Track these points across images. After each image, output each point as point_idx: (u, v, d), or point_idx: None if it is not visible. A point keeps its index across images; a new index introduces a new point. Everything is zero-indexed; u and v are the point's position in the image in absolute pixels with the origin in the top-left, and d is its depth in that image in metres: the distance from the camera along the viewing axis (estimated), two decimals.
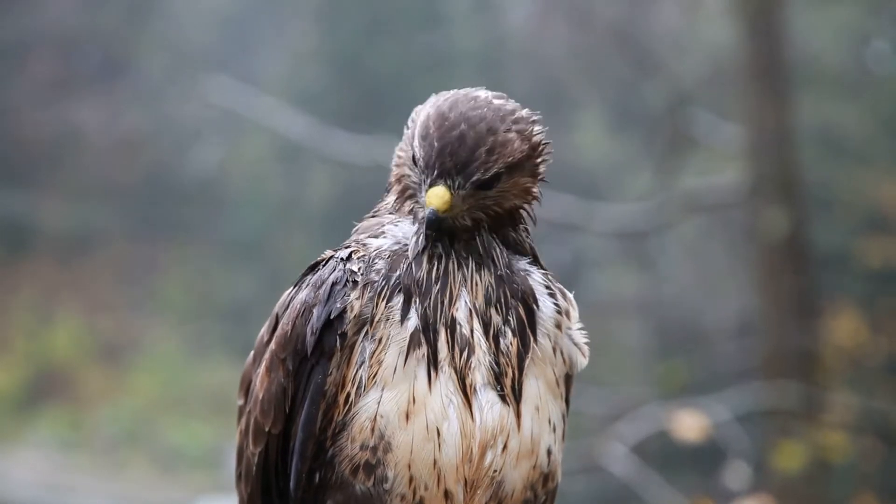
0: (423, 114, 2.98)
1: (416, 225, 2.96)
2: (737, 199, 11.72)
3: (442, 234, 2.93)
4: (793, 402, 10.60)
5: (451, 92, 3.03)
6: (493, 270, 2.94)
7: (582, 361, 3.06)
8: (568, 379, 3.05)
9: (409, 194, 3.00)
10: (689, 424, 8.95)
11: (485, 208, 2.94)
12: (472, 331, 2.90)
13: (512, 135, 2.94)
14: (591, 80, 17.83)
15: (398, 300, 2.90)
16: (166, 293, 20.87)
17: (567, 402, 3.06)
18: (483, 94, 3.00)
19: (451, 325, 2.89)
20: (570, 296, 3.06)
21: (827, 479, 11.08)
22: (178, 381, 19.90)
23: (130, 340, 20.56)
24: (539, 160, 2.98)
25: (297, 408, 2.95)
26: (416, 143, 2.94)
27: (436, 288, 2.90)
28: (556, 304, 3.01)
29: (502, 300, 2.93)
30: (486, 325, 2.90)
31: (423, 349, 2.87)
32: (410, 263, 2.92)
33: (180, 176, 20.59)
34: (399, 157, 3.06)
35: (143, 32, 21.48)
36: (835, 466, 11.52)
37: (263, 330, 3.09)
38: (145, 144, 21.01)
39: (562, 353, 3.01)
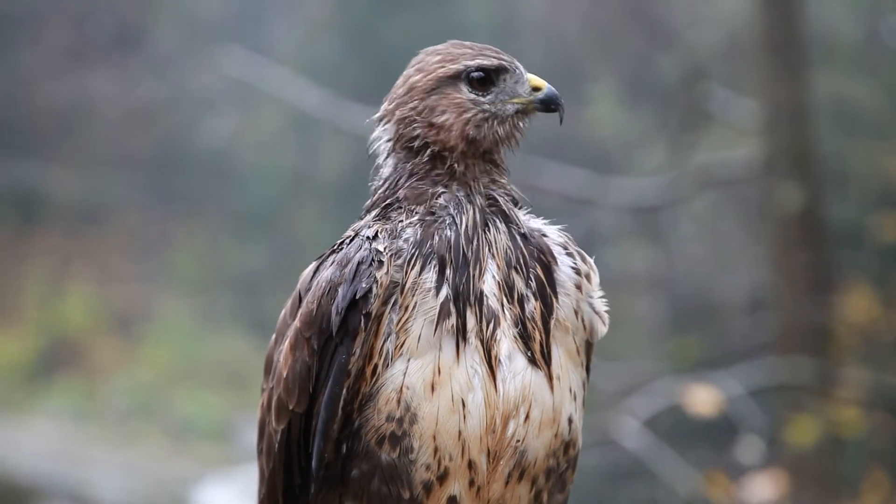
0: (442, 52, 3.09)
1: (457, 193, 2.97)
2: (751, 174, 11.68)
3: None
4: (806, 378, 10.59)
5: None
6: (514, 230, 2.95)
7: (602, 329, 3.06)
8: (588, 347, 3.05)
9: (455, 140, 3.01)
10: (702, 399, 8.95)
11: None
12: (500, 303, 2.90)
13: None
14: (606, 53, 17.78)
15: (430, 269, 2.90)
16: (178, 264, 20.90)
17: (588, 369, 3.06)
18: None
19: (479, 297, 2.89)
20: (591, 260, 3.06)
21: (839, 455, 11.07)
22: (190, 352, 19.94)
23: (142, 311, 20.60)
24: None
25: (321, 387, 2.96)
26: (475, 59, 3.02)
27: (468, 256, 2.89)
28: (575, 265, 3.01)
29: (521, 262, 2.93)
30: (510, 291, 2.90)
31: (453, 319, 2.87)
32: (445, 230, 2.92)
33: (193, 147, 20.59)
34: (409, 116, 3.05)
35: (157, 3, 21.45)
36: (847, 442, 11.51)
37: (286, 309, 3.08)
38: (158, 115, 21.01)
39: (582, 318, 3.01)
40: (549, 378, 2.92)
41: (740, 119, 12.42)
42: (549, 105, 3.01)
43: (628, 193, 12.63)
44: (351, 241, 2.99)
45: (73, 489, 16.74)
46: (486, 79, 3.00)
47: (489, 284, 2.90)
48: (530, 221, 3.03)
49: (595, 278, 3.06)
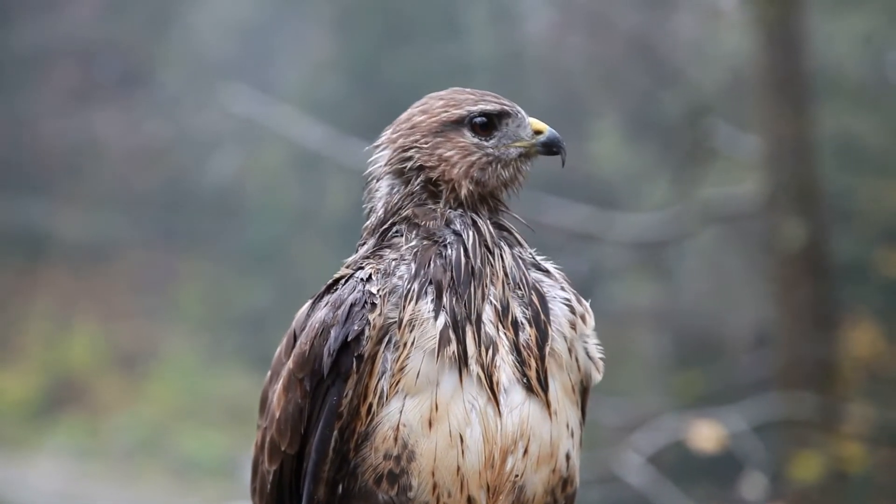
0: (446, 97, 3.09)
1: (463, 216, 3.00)
2: (755, 209, 11.69)
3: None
4: (809, 413, 10.56)
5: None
6: (517, 254, 2.97)
7: (596, 377, 3.07)
8: (584, 390, 3.05)
9: (431, 182, 3.03)
10: (706, 435, 8.93)
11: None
12: (496, 328, 2.90)
13: None
14: (609, 89, 17.81)
15: (426, 299, 2.90)
16: (183, 302, 20.90)
17: (584, 412, 3.06)
18: None
19: (478, 323, 2.89)
20: (587, 303, 3.06)
21: (843, 490, 11.03)
22: (194, 390, 19.91)
23: (147, 349, 20.58)
24: None
25: (312, 429, 2.97)
26: (478, 104, 3.04)
27: (472, 274, 2.90)
28: (569, 303, 3.02)
29: (523, 286, 2.94)
30: (505, 316, 2.91)
31: (453, 346, 2.87)
32: (447, 249, 2.93)
33: (198, 185, 20.62)
34: (411, 156, 3.07)
35: (163, 42, 21.53)
36: (851, 477, 11.47)
37: (280, 348, 3.09)
38: (164, 154, 21.05)
39: (577, 357, 3.01)
40: (548, 406, 2.92)
41: (744, 154, 12.44)
42: (550, 148, 3.06)
43: (632, 229, 12.64)
44: (346, 281, 2.99)
45: None
46: (488, 124, 3.04)
47: (488, 309, 2.91)
48: (524, 252, 3.05)
49: (590, 321, 3.07)
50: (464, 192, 2.99)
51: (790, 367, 10.97)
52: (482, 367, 2.89)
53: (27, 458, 18.36)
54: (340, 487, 2.93)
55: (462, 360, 2.87)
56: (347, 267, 3.06)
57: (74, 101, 20.87)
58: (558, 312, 3.00)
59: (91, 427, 19.33)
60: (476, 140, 3.03)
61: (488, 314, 2.91)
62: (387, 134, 3.13)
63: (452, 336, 2.88)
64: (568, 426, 2.98)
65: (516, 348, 2.91)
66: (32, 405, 19.57)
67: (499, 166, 3.02)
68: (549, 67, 19.06)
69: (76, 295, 20.99)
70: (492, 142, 3.03)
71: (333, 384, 2.93)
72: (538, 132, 3.06)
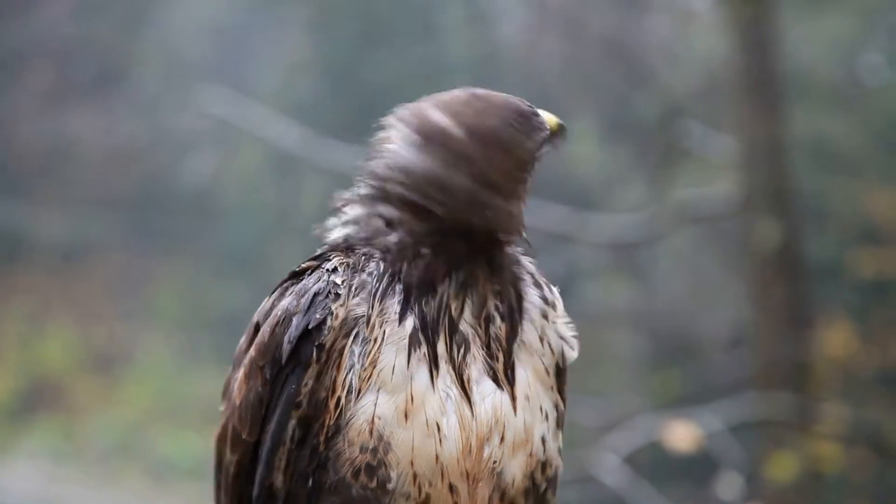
0: (438, 118, 2.99)
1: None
2: (729, 210, 11.73)
3: None
4: (785, 413, 10.61)
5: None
6: (493, 264, 2.96)
7: (571, 354, 3.08)
8: (559, 371, 3.06)
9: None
10: (682, 435, 8.96)
11: None
12: (470, 326, 2.91)
13: None
14: (584, 91, 17.85)
15: (395, 300, 2.90)
16: (159, 303, 20.85)
17: (562, 394, 3.07)
18: None
19: (450, 324, 2.89)
20: (556, 290, 3.09)
21: (819, 490, 11.08)
22: (171, 391, 19.86)
23: (123, 351, 20.53)
24: None
25: (270, 416, 2.95)
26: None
27: (438, 285, 2.90)
28: (542, 295, 3.04)
29: (497, 287, 2.95)
30: (480, 315, 2.92)
31: (424, 348, 2.88)
32: (412, 261, 2.92)
33: (174, 186, 20.58)
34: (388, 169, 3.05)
35: (138, 43, 21.48)
36: (827, 477, 11.52)
37: (243, 338, 3.09)
38: (140, 155, 21.00)
39: (549, 343, 3.02)
40: (513, 398, 2.93)
41: (718, 155, 12.48)
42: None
43: (608, 230, 12.67)
44: (312, 272, 3.00)
45: None
46: None
47: (462, 308, 2.92)
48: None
49: (560, 306, 3.08)
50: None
51: (766, 368, 11.01)
52: (453, 365, 2.90)
53: (2, 461, 18.30)
54: (311, 481, 2.93)
55: (432, 362, 2.88)
56: (314, 258, 3.06)
57: (50, 102, 20.80)
58: (530, 307, 3.02)
59: (67, 429, 19.27)
60: None
61: (463, 313, 2.93)
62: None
63: (422, 338, 2.89)
64: (542, 410, 2.98)
65: (487, 343, 2.93)
66: (7, 407, 19.50)
67: None
68: (524, 69, 19.10)
69: (51, 296, 20.92)
70: None
71: (293, 372, 2.91)
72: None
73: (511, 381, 2.92)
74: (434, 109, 2.99)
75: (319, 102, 19.81)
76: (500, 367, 2.91)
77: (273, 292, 3.08)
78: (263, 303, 3.07)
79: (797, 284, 11.21)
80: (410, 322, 2.89)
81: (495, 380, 2.90)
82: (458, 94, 3.02)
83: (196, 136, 20.22)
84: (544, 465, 2.99)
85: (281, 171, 20.31)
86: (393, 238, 2.93)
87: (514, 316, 2.95)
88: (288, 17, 21.10)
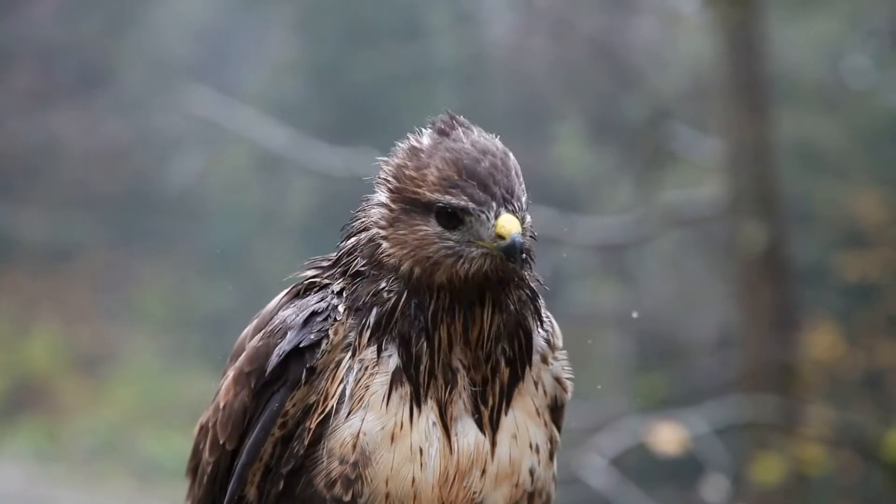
0: (425, 170, 2.88)
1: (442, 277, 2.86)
2: (715, 212, 11.75)
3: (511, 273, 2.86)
4: (771, 416, 10.62)
5: (433, 140, 2.94)
6: (503, 311, 2.90)
7: (564, 397, 3.06)
8: (555, 408, 3.05)
9: (411, 264, 2.88)
10: (668, 437, 8.96)
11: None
12: (462, 366, 2.88)
13: (516, 162, 2.95)
14: (571, 93, 17.86)
15: (381, 336, 2.88)
16: (144, 304, 20.81)
17: (558, 427, 3.05)
18: (465, 133, 2.94)
19: (445, 362, 2.87)
20: (558, 330, 3.06)
21: (805, 493, 11.10)
22: (156, 392, 19.83)
23: (108, 351, 20.48)
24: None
25: (251, 430, 2.95)
26: (444, 195, 2.83)
27: (434, 330, 2.87)
28: (547, 339, 3.01)
29: (503, 335, 2.90)
30: (476, 355, 2.89)
31: (407, 388, 2.86)
32: (405, 304, 2.89)
33: (159, 186, 20.54)
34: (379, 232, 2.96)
35: (123, 43, 21.43)
36: (813, 480, 11.54)
37: (248, 329, 3.07)
38: (124, 155, 20.95)
39: (543, 387, 3.01)
40: (493, 444, 2.91)
41: (705, 158, 12.50)
42: (508, 256, 2.83)
43: (594, 232, 12.68)
44: (319, 290, 2.98)
45: None
46: (453, 216, 2.86)
47: (456, 351, 2.88)
48: (520, 294, 2.98)
49: (559, 344, 3.06)
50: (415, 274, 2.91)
51: (752, 370, 11.03)
52: (438, 402, 2.88)
53: None
54: (282, 484, 2.91)
55: (415, 400, 2.87)
56: (322, 273, 3.03)
57: (34, 102, 20.75)
58: (536, 347, 3.00)
59: (52, 430, 19.22)
60: (438, 230, 2.87)
61: (453, 350, 2.89)
62: (394, 159, 3.02)
63: (405, 378, 2.87)
64: (531, 445, 2.98)
65: (482, 382, 2.91)
66: None
67: (459, 261, 2.84)
68: (511, 70, 19.10)
69: (36, 297, 20.87)
70: (456, 236, 2.85)
71: (279, 391, 2.91)
72: (501, 237, 2.83)
73: (494, 428, 2.90)
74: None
75: (305, 103, 19.79)
76: (486, 411, 2.89)
77: (284, 295, 3.07)
78: (273, 302, 3.05)
79: (783, 287, 11.23)
80: (394, 361, 2.87)
81: (479, 424, 2.88)
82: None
83: (181, 136, 20.18)
84: (531, 495, 2.98)
85: (266, 172, 20.28)
86: (392, 274, 2.91)
87: (516, 364, 2.92)
88: (273, 18, 21.08)
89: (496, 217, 2.83)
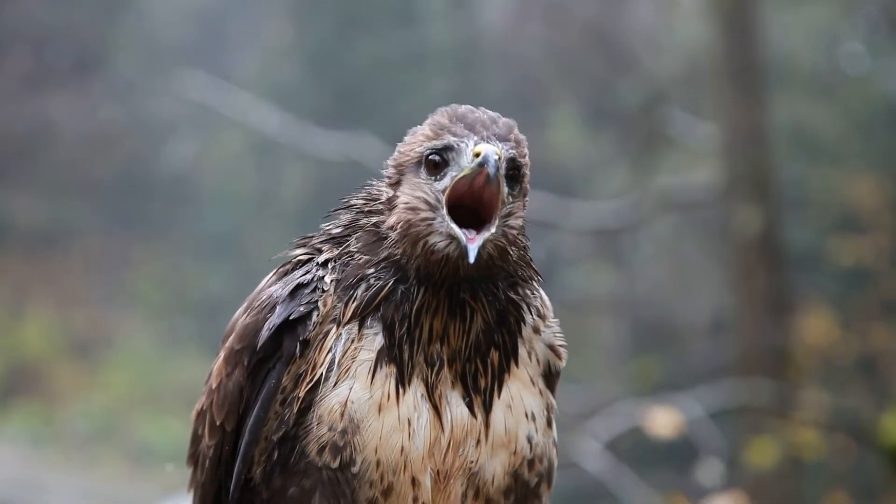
0: (419, 130, 2.94)
1: (413, 258, 2.88)
2: (710, 197, 11.75)
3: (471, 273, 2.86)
4: (765, 400, 10.64)
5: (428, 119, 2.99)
6: (481, 313, 2.91)
7: (558, 364, 3.07)
8: (549, 375, 3.06)
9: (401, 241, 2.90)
10: (663, 421, 8.97)
11: (505, 231, 2.90)
12: (445, 354, 2.89)
13: (523, 137, 2.96)
14: (566, 77, 17.85)
15: (366, 314, 2.89)
16: (139, 288, 20.81)
17: (553, 393, 3.06)
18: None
19: (425, 350, 2.88)
20: (547, 300, 3.07)
21: (799, 476, 11.12)
22: (151, 376, 19.84)
23: (102, 336, 20.49)
24: (527, 194, 3.00)
25: (250, 409, 2.95)
26: (431, 140, 2.89)
27: (415, 320, 2.88)
28: (538, 311, 3.02)
29: (486, 334, 2.91)
30: (464, 336, 2.89)
31: (392, 367, 2.87)
32: (391, 290, 2.90)
33: (154, 171, 20.53)
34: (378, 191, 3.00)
35: (118, 28, 21.40)
36: (807, 464, 11.56)
37: (238, 312, 3.08)
38: (119, 139, 20.94)
39: (536, 356, 3.02)
40: (487, 426, 2.92)
41: (700, 143, 12.50)
42: (481, 165, 2.81)
43: (589, 216, 12.69)
44: (304, 264, 2.99)
45: None
46: (440, 161, 2.89)
47: (437, 343, 2.89)
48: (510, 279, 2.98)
49: (550, 314, 3.06)
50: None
51: (746, 354, 11.04)
52: (425, 382, 2.89)
53: None
54: (277, 454, 2.92)
55: (399, 381, 2.88)
56: (308, 247, 3.04)
57: (28, 87, 20.72)
58: (527, 323, 3.00)
59: (46, 414, 19.23)
60: (427, 178, 2.90)
61: (443, 331, 2.90)
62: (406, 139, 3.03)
63: (388, 358, 2.88)
64: (527, 414, 2.98)
65: (474, 370, 2.91)
66: None
67: (432, 234, 2.86)
68: (506, 55, 19.09)
69: (31, 281, 20.86)
70: (440, 182, 2.87)
71: (274, 367, 2.92)
72: (476, 155, 2.83)
73: (488, 409, 2.91)
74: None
75: (300, 88, 19.77)
76: (479, 396, 2.90)
77: (273, 274, 3.08)
78: (261, 283, 3.07)
79: (777, 271, 11.23)
80: (379, 340, 2.88)
81: (470, 407, 2.89)
82: None
83: (176, 120, 20.17)
84: (532, 461, 2.98)
85: (261, 157, 20.27)
86: (382, 254, 2.92)
87: (507, 351, 2.93)
88: (268, 2, 21.05)
89: (475, 145, 2.85)
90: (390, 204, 2.95)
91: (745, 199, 11.10)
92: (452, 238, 2.83)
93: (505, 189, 2.85)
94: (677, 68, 15.57)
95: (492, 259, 2.88)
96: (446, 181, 2.87)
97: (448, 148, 2.87)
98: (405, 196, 2.91)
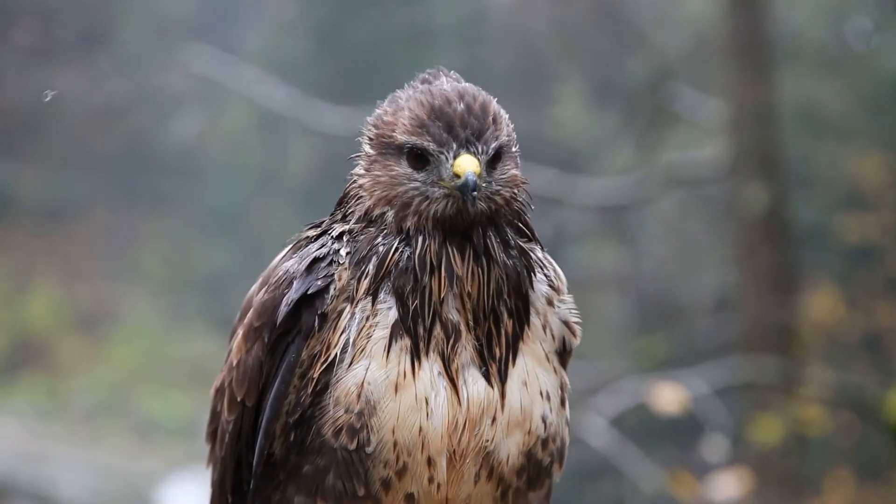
0: (399, 113, 2.94)
1: (414, 221, 2.89)
2: (717, 174, 11.73)
3: (470, 219, 2.88)
4: (770, 377, 10.64)
5: (415, 88, 2.99)
6: (492, 258, 2.91)
7: (573, 341, 3.06)
8: (563, 353, 3.05)
9: (383, 205, 2.93)
10: (668, 398, 8.98)
11: (490, 198, 2.90)
12: (461, 319, 2.88)
13: (502, 111, 2.96)
14: (573, 53, 17.82)
15: (378, 288, 2.89)
16: (145, 263, 20.84)
17: (566, 371, 3.06)
18: (448, 81, 2.98)
19: (438, 314, 2.87)
20: (562, 273, 3.06)
21: (804, 453, 11.13)
22: (156, 351, 19.89)
23: (108, 310, 20.53)
24: (515, 149, 2.99)
25: (270, 384, 2.95)
26: (411, 136, 2.89)
27: (424, 279, 2.88)
28: (550, 283, 3.01)
29: (499, 285, 2.91)
30: (477, 311, 2.89)
31: (406, 341, 2.87)
32: (399, 254, 2.91)
33: (160, 145, 20.53)
34: (362, 174, 3.01)
35: (124, 1, 21.38)
36: (811, 440, 11.58)
37: (253, 288, 3.08)
38: (125, 113, 20.94)
39: (551, 331, 3.01)
40: (502, 396, 2.92)
41: (706, 119, 12.47)
42: (462, 194, 2.86)
43: (595, 193, 12.68)
44: (317, 238, 3.00)
45: (37, 488, 16.68)
46: (421, 157, 2.91)
47: (451, 300, 2.89)
48: (518, 241, 2.98)
49: (564, 289, 3.06)
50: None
51: (751, 331, 11.04)
52: (441, 355, 2.89)
53: None
54: (293, 435, 2.93)
55: (415, 354, 2.88)
56: (319, 226, 3.05)
57: (35, 60, 20.71)
58: (537, 296, 3.00)
59: (52, 388, 19.29)
60: (408, 171, 2.92)
61: (452, 304, 2.90)
62: (377, 110, 3.06)
63: (403, 331, 2.88)
64: (542, 392, 2.98)
65: (488, 339, 2.91)
66: None
67: (425, 201, 2.89)
68: (512, 31, 19.05)
69: (36, 255, 20.90)
70: (422, 176, 2.90)
71: (293, 341, 2.91)
72: (457, 176, 2.85)
73: (503, 379, 2.91)
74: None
75: (306, 63, 19.75)
76: (495, 363, 2.90)
77: (287, 250, 3.08)
78: (277, 257, 3.07)
79: (783, 249, 11.22)
80: (393, 314, 2.88)
81: (487, 377, 2.89)
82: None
83: (182, 95, 20.15)
84: (545, 441, 2.98)
85: (267, 131, 20.27)
86: (389, 223, 2.91)
87: (521, 315, 2.93)
88: None
89: (455, 157, 2.87)
90: (369, 174, 2.97)
91: (752, 176, 11.09)
92: (448, 196, 2.87)
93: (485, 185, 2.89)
94: (684, 44, 15.54)
95: (493, 200, 2.91)
96: (425, 177, 2.90)
97: (427, 152, 2.89)
98: (385, 177, 2.94)
